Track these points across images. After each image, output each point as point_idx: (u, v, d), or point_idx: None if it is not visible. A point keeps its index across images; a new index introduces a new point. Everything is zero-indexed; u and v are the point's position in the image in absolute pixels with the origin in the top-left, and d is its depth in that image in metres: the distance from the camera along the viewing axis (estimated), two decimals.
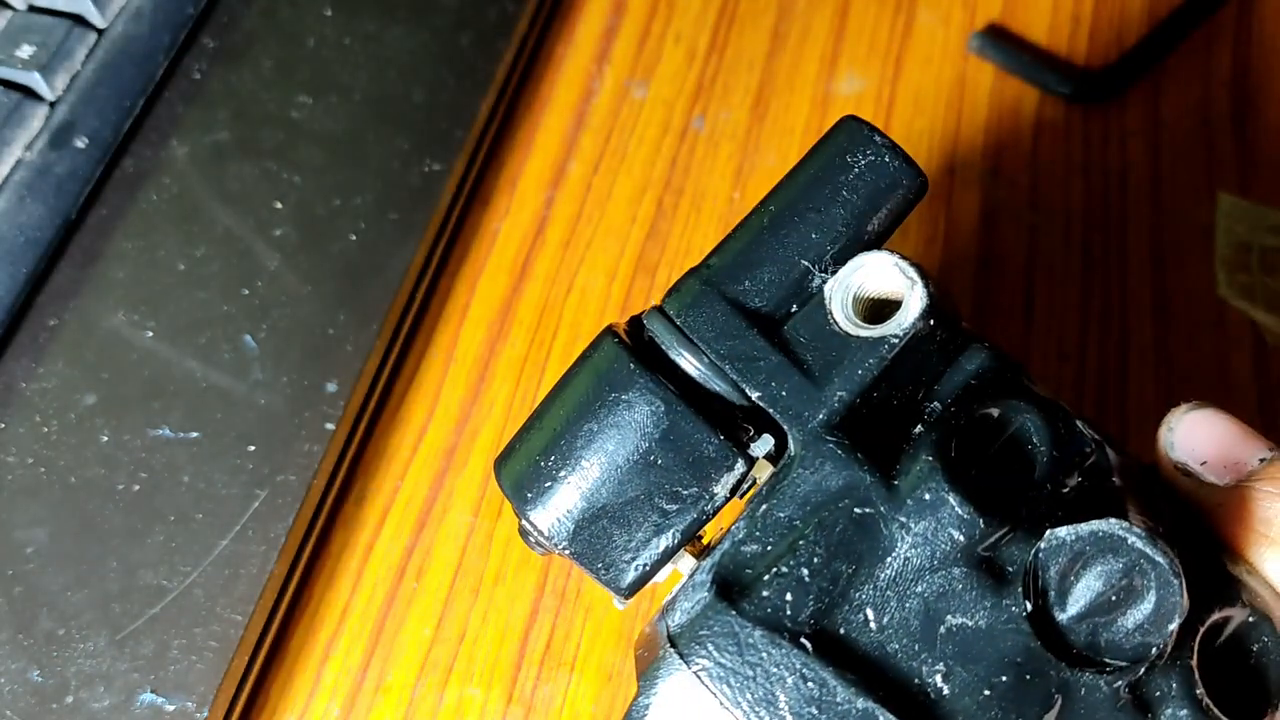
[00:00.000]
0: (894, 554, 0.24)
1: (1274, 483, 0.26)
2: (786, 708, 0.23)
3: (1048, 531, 0.23)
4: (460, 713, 0.37)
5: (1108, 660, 0.23)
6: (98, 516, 0.38)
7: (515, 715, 0.37)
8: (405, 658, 0.38)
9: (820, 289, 0.26)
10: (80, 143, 0.44)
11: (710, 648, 0.23)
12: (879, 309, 0.26)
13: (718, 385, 0.26)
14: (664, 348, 0.26)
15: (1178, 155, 0.46)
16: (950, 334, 0.26)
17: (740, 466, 0.25)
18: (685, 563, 0.26)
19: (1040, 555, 0.23)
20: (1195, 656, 0.24)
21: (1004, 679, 0.23)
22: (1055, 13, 0.49)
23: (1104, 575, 0.23)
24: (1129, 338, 0.42)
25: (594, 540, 0.25)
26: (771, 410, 0.25)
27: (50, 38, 0.44)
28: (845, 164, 0.26)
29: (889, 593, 0.24)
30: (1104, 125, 0.47)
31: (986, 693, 0.23)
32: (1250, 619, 0.25)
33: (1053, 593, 0.23)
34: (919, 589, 0.24)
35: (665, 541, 0.25)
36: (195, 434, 0.40)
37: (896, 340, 0.25)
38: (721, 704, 0.23)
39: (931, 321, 0.25)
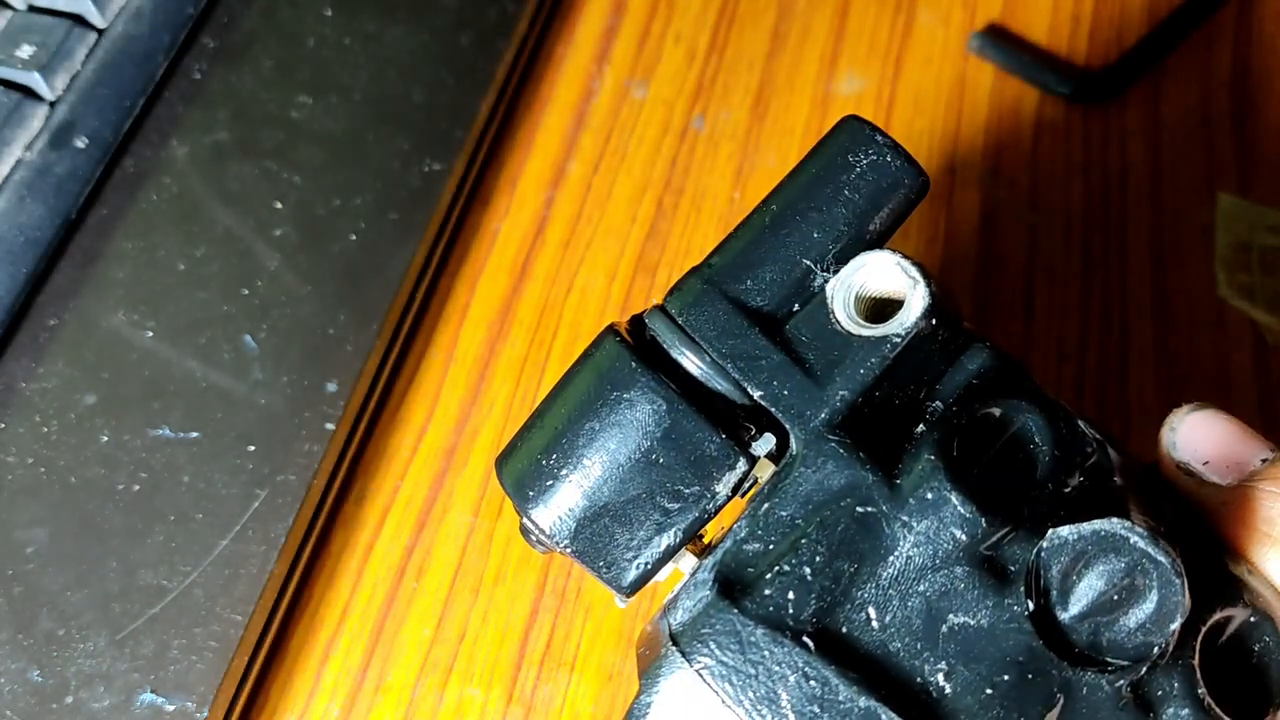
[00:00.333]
0: (896, 553, 0.24)
1: (1276, 482, 0.26)
2: (788, 706, 0.23)
3: (1050, 531, 0.23)
4: (460, 713, 0.37)
5: (1110, 659, 0.23)
6: (98, 516, 0.38)
7: (515, 715, 0.37)
8: (405, 658, 0.38)
9: (822, 288, 0.26)
10: (80, 143, 0.43)
11: (712, 646, 0.23)
12: (881, 308, 0.26)
13: (719, 384, 0.26)
14: (666, 346, 0.26)
15: (1178, 155, 0.46)
16: (952, 333, 0.26)
17: (742, 465, 0.25)
18: (686, 562, 0.26)
19: (1042, 554, 0.23)
20: (1197, 656, 0.24)
21: (1006, 678, 0.23)
22: (1055, 13, 0.49)
23: (1106, 574, 0.23)
24: (1129, 338, 0.42)
25: (595, 538, 0.25)
26: (773, 409, 0.25)
27: (50, 38, 0.44)
28: (847, 163, 0.26)
29: (891, 591, 0.24)
30: (1104, 125, 0.47)
31: (988, 691, 0.23)
32: (1252, 619, 0.25)
33: (1055, 592, 0.23)
34: (921, 588, 0.24)
35: (667, 540, 0.25)
36: (195, 434, 0.40)
37: (899, 339, 0.25)
38: (723, 702, 0.23)
39: (933, 321, 0.25)
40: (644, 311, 0.27)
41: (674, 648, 0.24)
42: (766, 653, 0.23)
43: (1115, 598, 0.23)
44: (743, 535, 0.25)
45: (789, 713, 0.23)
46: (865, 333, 0.25)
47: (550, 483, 0.25)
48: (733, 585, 0.24)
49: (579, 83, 0.49)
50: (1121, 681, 0.23)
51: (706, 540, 0.27)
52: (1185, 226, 0.44)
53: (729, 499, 0.26)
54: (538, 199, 0.47)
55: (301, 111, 0.46)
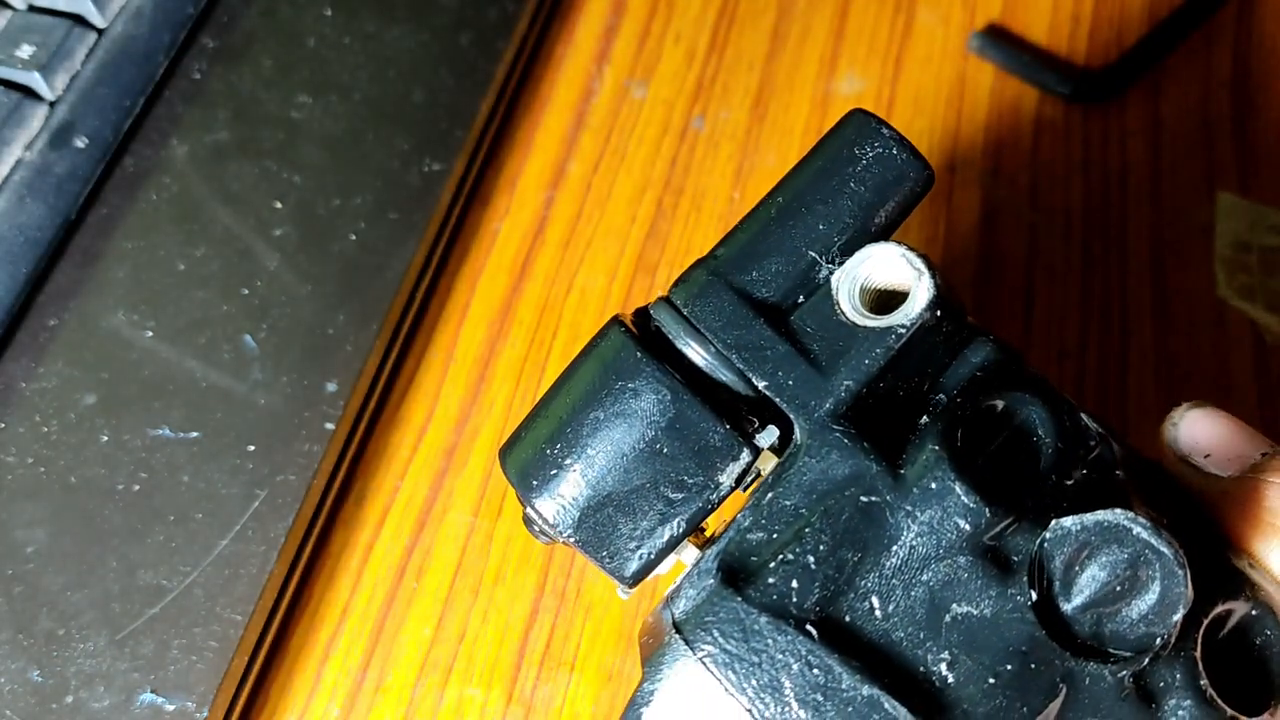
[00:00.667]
0: (900, 542, 0.24)
1: (1279, 474, 0.26)
2: (791, 694, 0.23)
3: (1053, 521, 0.23)
4: (460, 713, 0.37)
5: (1112, 650, 0.23)
6: (98, 516, 0.38)
7: (515, 715, 0.37)
8: (405, 658, 0.38)
9: (827, 280, 0.26)
10: (80, 142, 0.43)
11: (716, 634, 0.23)
12: (886, 300, 0.26)
13: (724, 375, 0.26)
14: (670, 337, 0.26)
15: (1178, 155, 0.46)
16: (956, 326, 0.26)
17: (746, 456, 0.25)
18: (689, 553, 0.26)
19: (1045, 545, 0.23)
20: (1199, 648, 0.24)
21: (1009, 668, 0.23)
22: (1055, 13, 0.49)
23: (1109, 566, 0.23)
24: (1129, 337, 0.42)
25: (599, 528, 0.25)
26: (778, 399, 0.25)
27: (50, 38, 0.44)
28: (853, 156, 0.26)
29: (894, 581, 0.24)
30: (1104, 125, 0.47)
31: (991, 681, 0.23)
32: (1254, 612, 0.25)
33: (1058, 582, 0.23)
34: (924, 577, 0.24)
35: (670, 530, 0.25)
36: (195, 434, 0.39)
37: (903, 331, 0.25)
38: (726, 690, 0.23)
39: (938, 313, 0.25)
40: (649, 303, 0.27)
41: (677, 636, 0.24)
42: (770, 641, 0.23)
43: (1118, 589, 0.23)
44: (747, 524, 0.25)
45: (792, 701, 0.23)
46: (870, 324, 0.25)
47: (554, 472, 0.25)
48: (736, 574, 0.24)
49: (579, 83, 0.49)
50: (1124, 672, 0.23)
51: (708, 533, 0.27)
52: (1185, 226, 0.44)
53: (732, 490, 0.26)
54: (538, 199, 0.47)
55: (301, 111, 0.46)
